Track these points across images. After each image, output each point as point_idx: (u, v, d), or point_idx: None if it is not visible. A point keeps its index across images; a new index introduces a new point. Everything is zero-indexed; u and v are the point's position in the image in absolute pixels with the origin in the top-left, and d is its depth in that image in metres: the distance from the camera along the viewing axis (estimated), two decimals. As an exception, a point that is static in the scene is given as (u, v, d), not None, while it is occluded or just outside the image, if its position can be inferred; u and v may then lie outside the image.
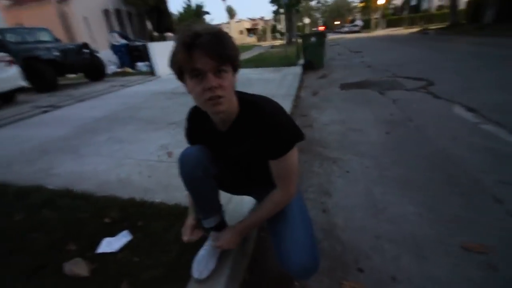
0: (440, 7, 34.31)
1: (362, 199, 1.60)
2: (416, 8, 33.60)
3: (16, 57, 5.32)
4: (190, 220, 1.03)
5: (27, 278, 1.04)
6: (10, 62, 4.70)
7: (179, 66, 0.71)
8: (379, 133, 2.51)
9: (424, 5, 35.66)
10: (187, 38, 0.65)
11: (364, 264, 1.18)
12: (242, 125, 0.83)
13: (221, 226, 1.03)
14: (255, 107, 0.80)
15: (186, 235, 0.99)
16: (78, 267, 1.03)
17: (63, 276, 1.03)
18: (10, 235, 1.30)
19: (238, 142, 0.86)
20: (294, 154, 0.83)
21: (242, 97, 0.83)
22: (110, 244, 1.17)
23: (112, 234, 1.25)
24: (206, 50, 0.65)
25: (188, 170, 0.89)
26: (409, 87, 4.02)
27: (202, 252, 1.05)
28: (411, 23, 32.10)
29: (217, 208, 1.02)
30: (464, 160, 1.89)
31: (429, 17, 27.26)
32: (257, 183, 1.01)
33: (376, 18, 39.53)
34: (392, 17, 40.33)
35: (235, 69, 0.74)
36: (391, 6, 45.08)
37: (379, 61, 7.02)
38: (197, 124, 0.93)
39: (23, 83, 5.00)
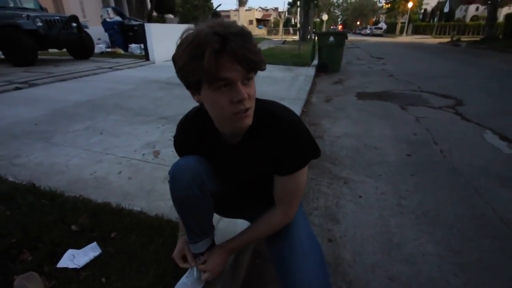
0: (475, 18, 34.79)
1: (375, 231, 1.55)
2: (449, 16, 33.99)
3: (-7, 23, 5.28)
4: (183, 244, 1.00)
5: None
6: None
7: (199, 76, 0.64)
8: (399, 154, 2.47)
9: (458, 14, 36.11)
10: (215, 44, 0.59)
11: (373, 312, 1.12)
12: (256, 136, 0.79)
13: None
14: (272, 116, 0.77)
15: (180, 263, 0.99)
16: (31, 283, 0.97)
17: (12, 293, 0.97)
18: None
19: (250, 156, 0.82)
20: (305, 172, 0.82)
21: (256, 105, 0.78)
22: (74, 258, 1.10)
23: (79, 245, 1.19)
24: (237, 57, 0.61)
25: (182, 185, 0.82)
26: (436, 104, 4.00)
27: (184, 280, 0.99)
28: (441, 32, 32.51)
29: (209, 231, 0.96)
30: (496, 197, 1.84)
31: (462, 27, 27.59)
32: (260, 205, 0.96)
33: (402, 23, 39.98)
34: (421, 23, 40.84)
35: (255, 74, 0.71)
36: (421, 11, 45.67)
37: (402, 71, 7.04)
38: (196, 135, 0.87)
39: (-4, 53, 4.95)
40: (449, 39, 20.29)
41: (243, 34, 0.62)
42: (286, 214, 0.87)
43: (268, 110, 0.78)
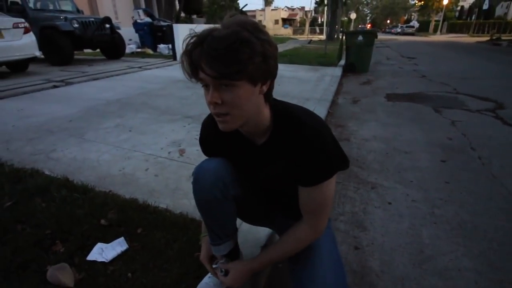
0: (517, 15, 32.49)
1: (406, 241, 1.47)
2: (488, 14, 31.96)
3: (34, 24, 5.64)
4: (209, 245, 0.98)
5: (4, 277, 1.03)
6: (26, 30, 4.97)
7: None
8: (432, 159, 2.34)
9: (499, 11, 33.88)
10: (190, 45, 0.61)
11: (403, 327, 1.06)
12: (278, 140, 0.75)
13: (234, 253, 0.96)
14: (294, 120, 0.72)
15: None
16: (63, 275, 1.01)
17: (44, 282, 1.01)
18: (-5, 223, 1.31)
19: (272, 158, 0.78)
20: (332, 184, 0.75)
21: (277, 106, 0.75)
22: (102, 252, 1.14)
23: (107, 239, 1.23)
24: (206, 61, 0.59)
25: (204, 188, 0.82)
26: (473, 107, 3.76)
27: (207, 280, 0.98)
28: (479, 30, 30.68)
29: (232, 233, 0.95)
30: (542, 209, 1.69)
31: (503, 25, 25.82)
32: (284, 214, 0.93)
33: (436, 21, 38.19)
34: (457, 21, 38.77)
35: (256, 81, 0.64)
36: (457, 8, 43.34)
37: (436, 71, 6.70)
38: (220, 134, 0.83)
39: (37, 53, 5.27)
40: (488, 38, 19.07)
41: (226, 37, 0.57)
42: (314, 228, 0.81)
43: (290, 114, 0.74)
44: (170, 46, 8.39)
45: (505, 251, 1.39)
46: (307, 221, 0.81)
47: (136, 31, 10.04)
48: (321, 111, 3.35)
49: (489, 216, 1.65)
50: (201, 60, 0.59)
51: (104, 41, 7.25)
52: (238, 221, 1.03)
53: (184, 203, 1.55)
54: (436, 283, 1.23)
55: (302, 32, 41.13)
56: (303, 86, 4.74)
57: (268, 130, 0.75)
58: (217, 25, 0.61)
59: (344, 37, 7.08)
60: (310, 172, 0.72)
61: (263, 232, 1.33)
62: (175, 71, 6.28)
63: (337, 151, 0.73)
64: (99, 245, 1.18)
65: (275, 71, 0.67)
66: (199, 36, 0.60)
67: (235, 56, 0.57)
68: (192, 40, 0.60)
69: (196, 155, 2.12)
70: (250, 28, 0.60)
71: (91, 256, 1.13)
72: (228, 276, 0.90)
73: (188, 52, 0.61)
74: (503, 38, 17.97)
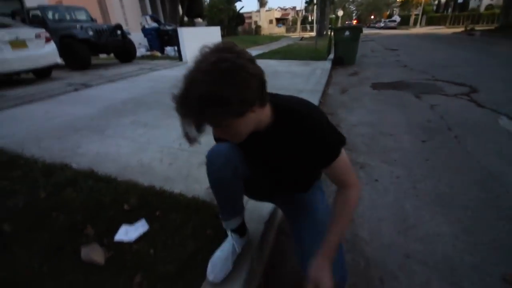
0: (489, 7, 31.63)
1: (391, 212, 1.49)
2: (463, 6, 31.15)
3: (54, 34, 5.55)
4: None
5: (44, 258, 1.06)
6: (47, 39, 4.90)
7: None
8: (414, 140, 2.33)
9: (472, 4, 32.97)
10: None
11: (390, 285, 1.09)
12: (281, 131, 0.73)
13: (241, 228, 0.98)
14: (294, 115, 0.71)
15: None
16: (95, 254, 1.03)
17: (79, 261, 1.04)
18: (33, 212, 1.33)
19: (277, 146, 0.77)
20: (343, 154, 0.75)
21: (277, 103, 0.73)
22: (127, 233, 1.16)
23: (130, 221, 1.24)
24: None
25: (216, 169, 0.84)
26: (450, 92, 3.72)
27: (219, 253, 1.00)
28: (455, 22, 30.00)
29: (240, 210, 0.97)
30: (510, 180, 1.70)
31: (476, 17, 25.20)
32: (285, 190, 0.94)
33: (416, 15, 37.31)
34: (434, 14, 37.87)
35: (239, 115, 0.61)
36: (435, 2, 42.18)
37: (417, 61, 6.59)
38: None
39: (58, 60, 5.21)
40: (463, 29, 18.62)
41: (184, 97, 0.60)
42: (353, 186, 0.77)
43: (289, 109, 0.71)
44: (176, 48, 8.26)
45: (478, 218, 1.41)
46: (345, 186, 0.78)
47: (145, 36, 9.86)
48: (313, 101, 3.31)
49: (464, 187, 1.66)
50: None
51: (117, 46, 7.14)
52: (244, 200, 1.04)
53: (196, 187, 1.56)
54: (419, 247, 1.25)
55: (294, 30, 40.34)
56: (296, 79, 4.68)
57: (270, 124, 0.73)
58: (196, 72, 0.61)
59: (332, 33, 6.93)
60: (323, 157, 0.73)
61: (266, 209, 1.35)
62: (182, 71, 6.10)
63: (336, 133, 0.74)
64: (124, 227, 1.20)
65: (253, 96, 0.60)
66: (175, 97, 0.61)
67: (201, 117, 0.59)
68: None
69: (204, 145, 2.11)
70: (209, 78, 0.57)
71: (118, 237, 1.16)
72: (322, 280, 0.71)
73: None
74: (476, 28, 17.55)
